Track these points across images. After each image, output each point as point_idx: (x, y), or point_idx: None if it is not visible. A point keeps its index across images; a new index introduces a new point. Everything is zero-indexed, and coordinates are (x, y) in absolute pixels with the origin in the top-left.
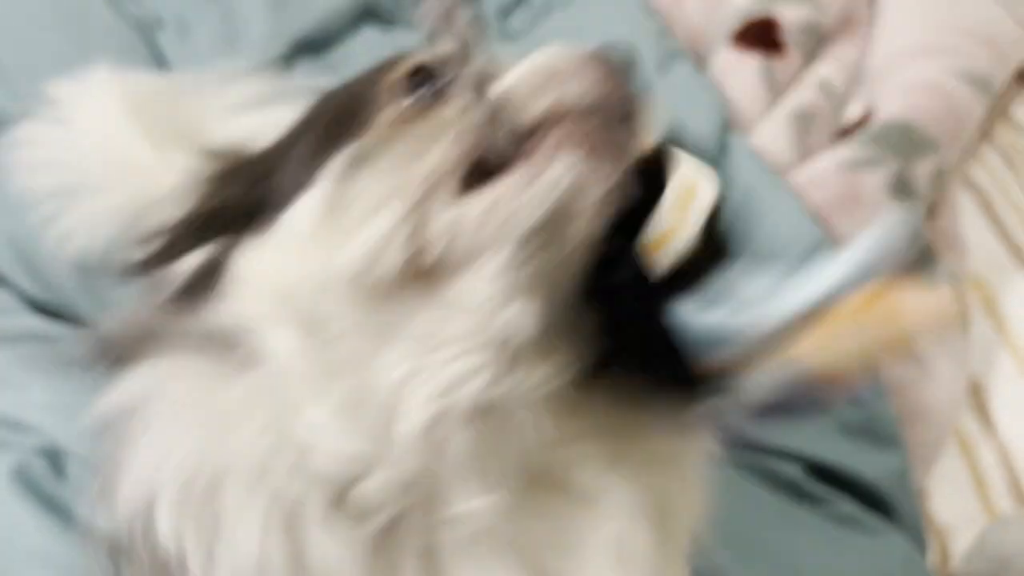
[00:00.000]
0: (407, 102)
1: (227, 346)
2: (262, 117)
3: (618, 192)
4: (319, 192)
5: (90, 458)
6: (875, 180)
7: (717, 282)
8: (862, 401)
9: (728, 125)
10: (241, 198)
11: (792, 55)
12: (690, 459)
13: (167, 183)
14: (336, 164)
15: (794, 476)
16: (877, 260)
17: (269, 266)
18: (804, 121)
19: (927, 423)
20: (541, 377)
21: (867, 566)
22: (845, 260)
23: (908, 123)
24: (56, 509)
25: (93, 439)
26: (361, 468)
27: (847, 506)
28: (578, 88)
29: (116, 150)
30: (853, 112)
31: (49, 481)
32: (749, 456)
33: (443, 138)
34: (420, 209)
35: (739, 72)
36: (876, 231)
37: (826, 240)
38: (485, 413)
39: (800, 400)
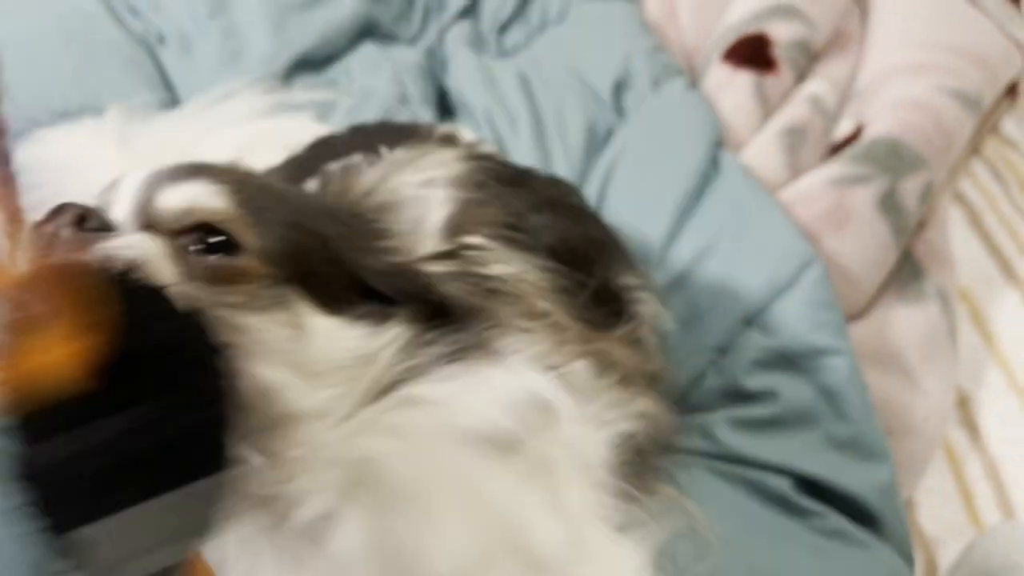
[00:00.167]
0: None
1: None
2: (257, 128)
3: None
4: None
5: None
6: (864, 196)
7: None
8: (850, 415)
9: (720, 142)
10: None
11: (784, 72)
12: None
13: None
14: None
15: (782, 490)
16: None
17: None
18: (795, 137)
19: (915, 436)
20: None
21: None
22: None
23: (897, 140)
24: None
25: None
26: None
27: (835, 519)
28: None
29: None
30: (845, 128)
31: None
32: (737, 470)
33: None
34: None
35: (731, 88)
36: None
37: (815, 257)
38: None
39: None
